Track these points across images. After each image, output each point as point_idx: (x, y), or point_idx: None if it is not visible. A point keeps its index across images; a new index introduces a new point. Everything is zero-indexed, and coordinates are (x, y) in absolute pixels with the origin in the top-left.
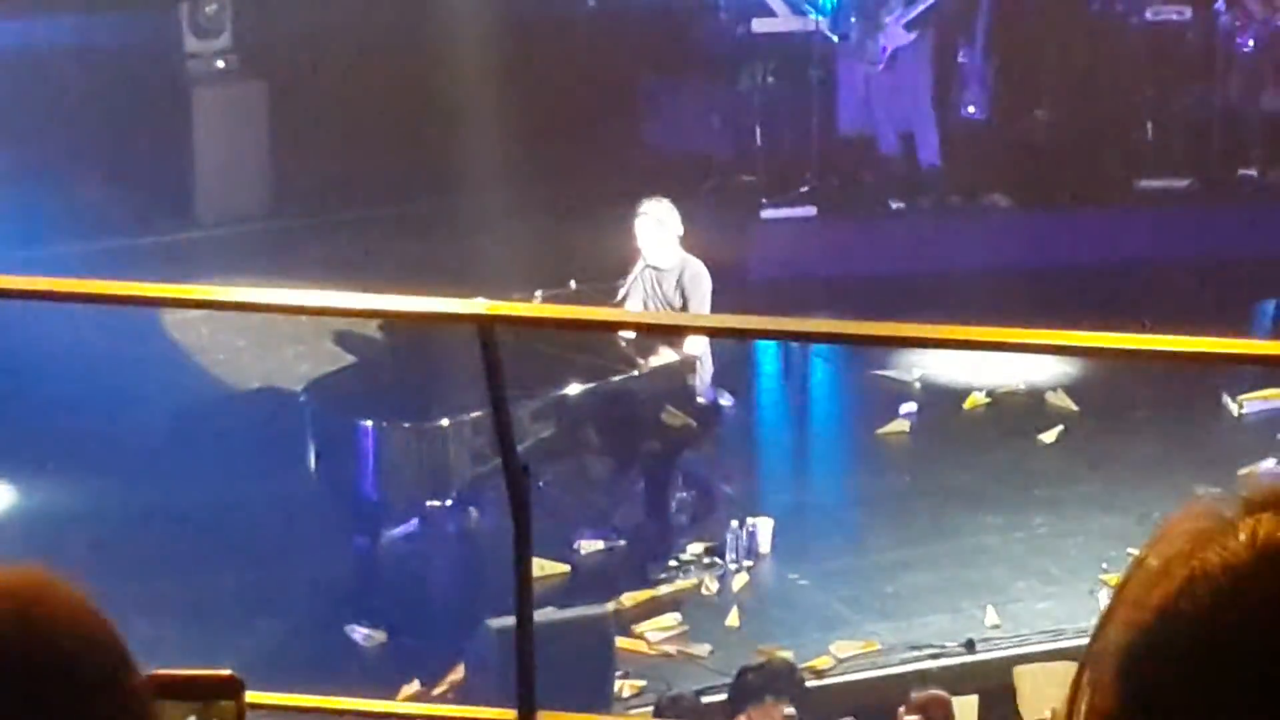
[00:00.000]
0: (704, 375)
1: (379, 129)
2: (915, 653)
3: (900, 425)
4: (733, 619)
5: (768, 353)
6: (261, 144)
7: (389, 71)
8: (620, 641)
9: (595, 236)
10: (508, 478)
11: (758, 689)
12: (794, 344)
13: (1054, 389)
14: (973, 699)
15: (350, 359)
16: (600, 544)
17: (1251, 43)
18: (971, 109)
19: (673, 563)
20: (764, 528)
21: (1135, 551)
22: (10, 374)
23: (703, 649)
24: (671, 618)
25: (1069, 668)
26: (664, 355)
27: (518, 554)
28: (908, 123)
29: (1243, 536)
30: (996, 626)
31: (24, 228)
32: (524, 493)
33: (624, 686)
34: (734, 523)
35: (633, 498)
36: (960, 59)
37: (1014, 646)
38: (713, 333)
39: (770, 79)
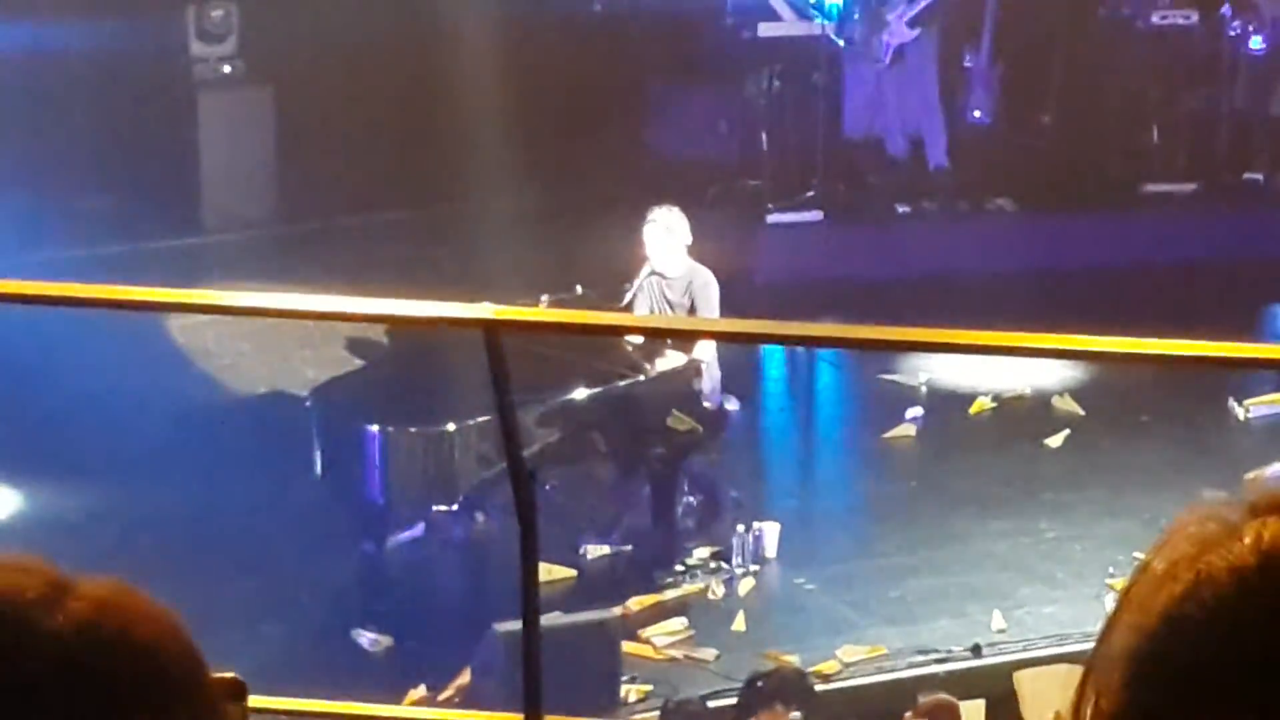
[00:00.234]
0: (710, 380)
1: (384, 134)
2: (922, 657)
3: (906, 430)
4: (739, 624)
5: (774, 357)
6: (267, 149)
7: (394, 76)
8: (626, 646)
9: (601, 241)
10: (514, 482)
11: (768, 695)
12: (800, 348)
13: (1060, 393)
14: (979, 703)
15: (356, 363)
16: (606, 549)
17: (1265, 45)
18: (977, 113)
19: (679, 567)
20: (770, 532)
21: (1142, 556)
22: (16, 379)
23: (709, 654)
24: (678, 622)
25: (1069, 670)
26: (670, 360)
27: (524, 558)
28: (916, 124)
29: (1247, 540)
30: (1003, 631)
31: (29, 232)
32: (530, 497)
33: (630, 691)
34: (740, 527)
35: (639, 502)
36: (966, 64)
37: (1020, 651)
38: (719, 337)
39: (776, 84)
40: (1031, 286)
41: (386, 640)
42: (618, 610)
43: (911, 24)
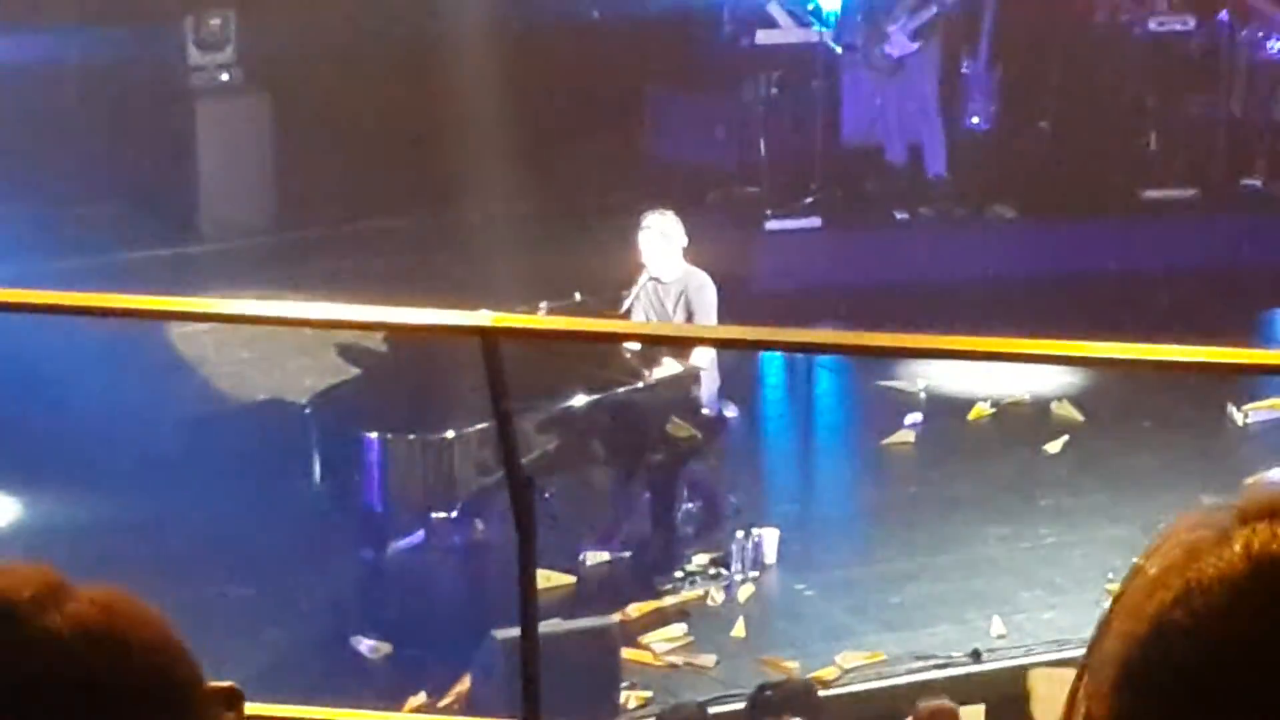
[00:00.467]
0: (709, 386)
1: (382, 141)
2: (921, 663)
3: (905, 436)
4: (738, 630)
5: (773, 364)
6: (265, 157)
7: (392, 84)
8: (626, 652)
9: (600, 248)
10: (512, 489)
11: (776, 705)
12: (799, 355)
13: (1059, 399)
14: (979, 709)
15: (355, 371)
16: (606, 555)
17: (1277, 47)
18: (976, 120)
19: (678, 574)
20: (769, 538)
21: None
22: (17, 387)
23: (709, 660)
24: (677, 629)
25: None
26: (669, 367)
27: (522, 565)
28: (916, 132)
29: (1238, 547)
30: (1002, 636)
31: (29, 241)
32: (528, 504)
33: (630, 698)
34: (739, 533)
35: (638, 509)
36: (964, 70)
37: (1020, 657)
38: (718, 344)
39: (774, 90)
40: (1030, 293)
41: (386, 647)
42: (617, 616)
43: (913, 37)
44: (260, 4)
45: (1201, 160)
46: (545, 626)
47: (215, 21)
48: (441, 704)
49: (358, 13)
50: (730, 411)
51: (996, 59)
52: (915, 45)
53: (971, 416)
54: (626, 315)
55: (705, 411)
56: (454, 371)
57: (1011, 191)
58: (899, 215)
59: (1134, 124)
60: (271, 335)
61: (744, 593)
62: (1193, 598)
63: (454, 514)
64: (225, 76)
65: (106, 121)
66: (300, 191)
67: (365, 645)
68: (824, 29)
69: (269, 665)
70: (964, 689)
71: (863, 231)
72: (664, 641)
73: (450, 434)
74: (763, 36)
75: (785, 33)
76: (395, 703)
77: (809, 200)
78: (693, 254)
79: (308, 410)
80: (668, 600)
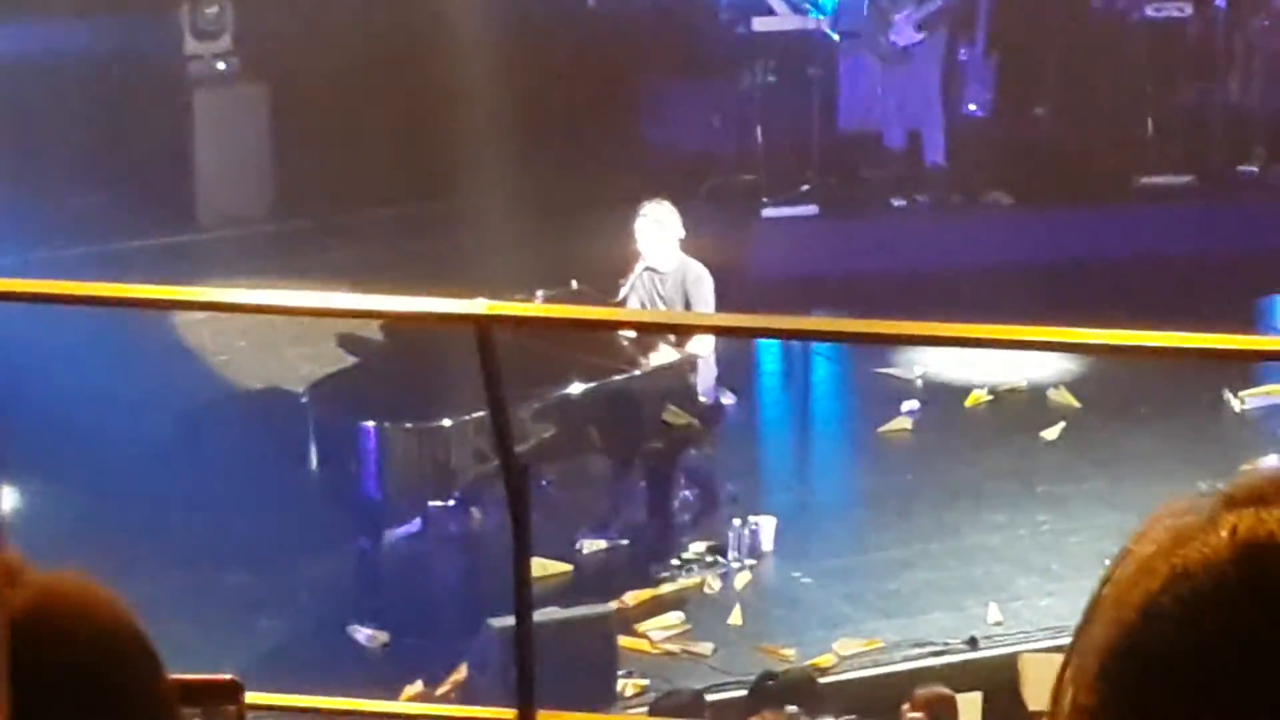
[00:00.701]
0: (706, 374)
1: (379, 130)
2: (918, 650)
3: (902, 423)
4: (735, 617)
5: (770, 351)
6: (262, 146)
7: (389, 73)
8: (623, 640)
9: (597, 237)
10: (507, 478)
11: (777, 694)
12: (796, 342)
13: (1056, 386)
14: (976, 696)
15: (352, 360)
16: (603, 543)
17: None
18: (972, 107)
19: (675, 562)
20: (766, 526)
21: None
22: (12, 376)
23: (706, 648)
24: (674, 616)
25: None
26: (665, 355)
27: (516, 554)
28: (916, 120)
29: (1224, 533)
30: (999, 624)
31: (25, 231)
32: (523, 492)
33: (627, 686)
34: (736, 521)
35: (635, 497)
36: (961, 57)
37: (1017, 643)
38: (715, 332)
39: (771, 78)
40: (1026, 279)
41: (383, 636)
42: (614, 605)
43: (919, 27)
44: None
45: (1198, 147)
46: (542, 615)
47: (212, 10)
48: (438, 693)
49: (354, 2)
50: (727, 399)
51: (993, 46)
52: (921, 35)
53: (968, 403)
54: (623, 304)
55: (702, 399)
56: (451, 360)
57: (1008, 178)
58: (896, 203)
59: (1130, 111)
60: (268, 324)
61: (741, 580)
62: (1179, 583)
63: (451, 503)
64: (222, 65)
65: (103, 111)
66: (297, 180)
67: (362, 634)
68: (821, 16)
69: (266, 654)
70: (961, 676)
71: (859, 219)
72: (661, 629)
73: (447, 423)
74: (759, 24)
75: (782, 20)
76: (392, 691)
77: (806, 188)
78: (689, 242)
79: (304, 399)
80: (665, 588)
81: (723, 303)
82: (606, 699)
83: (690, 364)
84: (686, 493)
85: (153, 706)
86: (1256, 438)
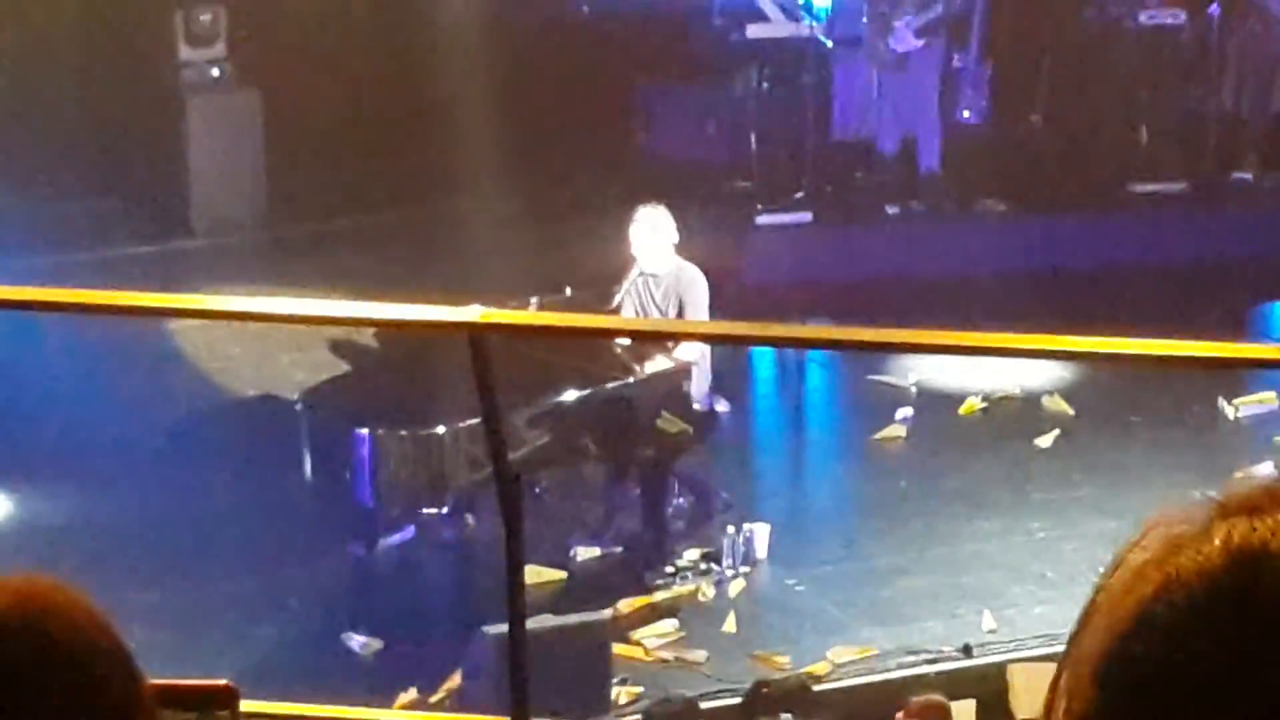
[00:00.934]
0: (700, 382)
1: (373, 137)
2: (912, 658)
3: (896, 430)
4: (730, 625)
5: (764, 359)
6: (256, 152)
7: (383, 79)
8: (617, 648)
9: (591, 243)
10: (499, 485)
11: (772, 702)
12: (790, 350)
13: (1050, 393)
14: (970, 704)
15: (346, 367)
16: (597, 551)
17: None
18: (967, 113)
19: (669, 569)
20: (761, 534)
21: None
22: (6, 383)
23: (700, 655)
24: (668, 624)
25: None
26: (660, 362)
27: (509, 562)
28: (912, 128)
29: (1217, 541)
30: (993, 631)
31: (18, 237)
32: (516, 500)
33: (621, 693)
34: (730, 529)
35: (629, 504)
36: (956, 64)
37: (1011, 651)
38: (709, 339)
39: (765, 85)
40: (1020, 287)
41: (377, 643)
42: (608, 612)
43: (919, 34)
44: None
45: (1192, 154)
46: (536, 622)
47: (206, 17)
48: (432, 700)
49: (347, 8)
50: (721, 406)
51: (987, 53)
52: (920, 42)
53: (962, 411)
54: (617, 310)
55: (696, 406)
56: (445, 367)
57: (1002, 185)
58: (890, 210)
59: (1124, 118)
60: (262, 331)
61: (735, 588)
62: (1173, 591)
63: (445, 510)
64: (216, 72)
65: (97, 117)
66: (291, 187)
67: (356, 641)
68: (814, 23)
69: (259, 661)
70: (955, 684)
71: (854, 226)
72: (655, 637)
73: (441, 430)
74: (753, 30)
75: (776, 26)
76: (386, 699)
77: (800, 195)
78: (684, 248)
79: (298, 406)
80: (659, 596)
81: (717, 309)
82: (600, 706)
83: (685, 371)
84: (680, 500)
85: (129, 707)
86: (1250, 446)
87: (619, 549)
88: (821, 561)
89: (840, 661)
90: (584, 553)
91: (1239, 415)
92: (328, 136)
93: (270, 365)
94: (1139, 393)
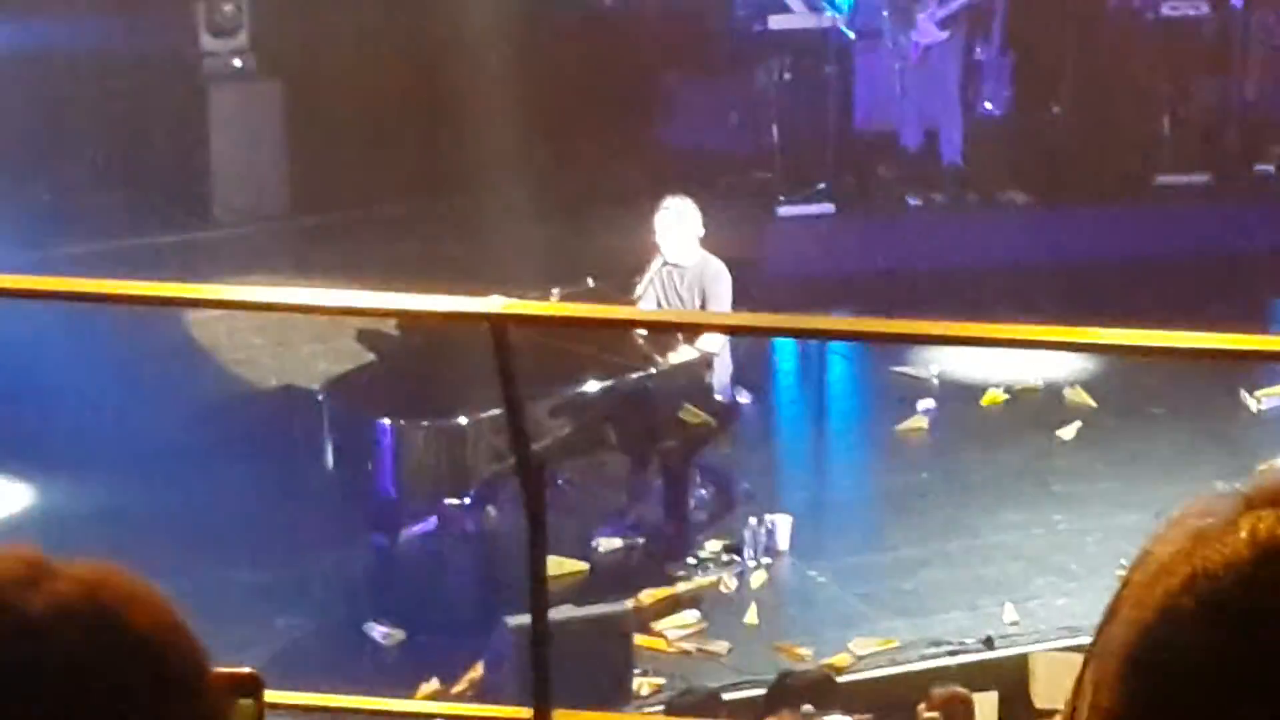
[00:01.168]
0: (722, 373)
1: (395, 127)
2: (934, 649)
3: (918, 422)
4: (751, 616)
5: (786, 350)
6: (278, 143)
7: (405, 70)
8: (639, 639)
9: (612, 234)
10: (522, 476)
11: (795, 693)
12: (811, 341)
13: (1072, 385)
14: (992, 695)
15: (368, 357)
16: (619, 542)
17: None
18: (988, 105)
19: (691, 560)
20: (783, 525)
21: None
22: (29, 374)
23: (721, 646)
24: (690, 615)
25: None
26: (682, 353)
27: (532, 552)
28: (934, 120)
29: (1243, 533)
30: (1015, 623)
31: (41, 227)
32: (538, 491)
33: (643, 684)
34: (752, 520)
35: (651, 495)
36: (978, 55)
37: (1033, 643)
38: (731, 331)
39: (787, 76)
40: (1042, 279)
41: (399, 634)
42: (630, 603)
43: (942, 25)
44: None
45: (1214, 146)
46: (558, 613)
47: (228, 7)
48: (454, 690)
49: None
50: (743, 397)
51: (1009, 44)
52: (944, 35)
53: (984, 402)
54: (639, 302)
55: (718, 398)
56: (467, 358)
57: (1023, 177)
58: (912, 201)
59: (1146, 109)
60: (284, 321)
61: (757, 579)
62: (1199, 584)
63: (467, 500)
64: (238, 62)
65: (119, 107)
66: (312, 177)
67: (378, 632)
68: (837, 14)
69: (281, 652)
70: (977, 676)
71: (875, 218)
72: (677, 628)
73: (463, 420)
74: (775, 22)
75: (798, 18)
76: (408, 689)
77: (822, 186)
78: (705, 239)
79: (320, 396)
80: (680, 587)
81: (738, 301)
82: (622, 698)
83: (707, 362)
84: (702, 491)
85: (200, 696)
86: (1273, 437)
87: (640, 540)
88: (843, 553)
89: (862, 653)
90: (605, 544)
91: (1261, 407)
92: (349, 127)
93: (292, 355)
94: (1161, 385)
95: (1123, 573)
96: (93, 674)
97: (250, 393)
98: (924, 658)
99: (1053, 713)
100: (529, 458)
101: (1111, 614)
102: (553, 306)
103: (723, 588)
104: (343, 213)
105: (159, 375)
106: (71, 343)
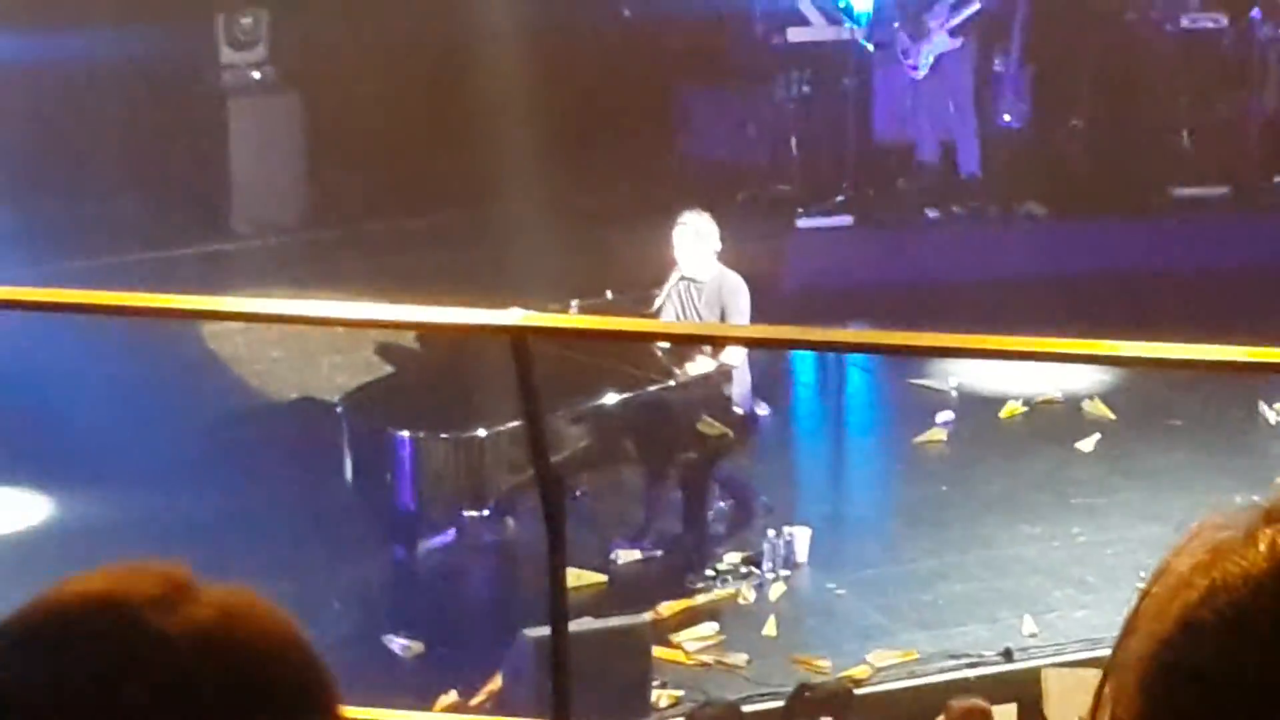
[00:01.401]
0: (741, 385)
1: (413, 140)
2: (953, 662)
3: (937, 434)
4: (770, 629)
5: (804, 362)
6: (297, 155)
7: (424, 82)
8: (658, 651)
9: (631, 246)
10: (541, 488)
11: (814, 706)
12: (830, 353)
13: (1091, 397)
14: (1011, 708)
15: (387, 369)
16: (638, 554)
17: None
18: (1007, 118)
19: (710, 572)
20: (801, 537)
21: None
22: (48, 386)
23: (740, 659)
24: (709, 627)
25: (1097, 674)
26: (701, 365)
27: (552, 564)
28: (950, 131)
29: (1262, 547)
30: (1034, 635)
31: (60, 239)
32: (558, 503)
33: (661, 696)
34: (771, 532)
35: (670, 508)
36: (996, 68)
37: (1051, 655)
38: (749, 343)
39: (805, 88)
40: (1061, 291)
41: (418, 646)
42: (648, 615)
43: (953, 33)
44: (292, 3)
45: (1233, 158)
46: (576, 625)
47: (247, 20)
48: (473, 703)
49: (389, 11)
50: (762, 410)
51: (1028, 57)
52: (956, 43)
53: (1003, 415)
54: (657, 314)
55: (737, 410)
56: (486, 370)
57: (1043, 189)
58: (930, 214)
59: (1166, 122)
60: (303, 333)
61: (775, 591)
62: (1218, 597)
63: (486, 513)
64: (257, 75)
65: (138, 120)
66: (331, 189)
67: (397, 644)
68: (855, 26)
69: None
70: (996, 688)
71: (894, 230)
72: (695, 640)
73: (482, 432)
74: (794, 34)
75: (817, 30)
76: (427, 701)
77: (840, 198)
78: (724, 252)
79: (339, 408)
80: (699, 599)
81: (757, 313)
82: (641, 710)
83: (725, 374)
84: (721, 503)
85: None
86: None
87: (659, 552)
88: (862, 565)
89: (881, 665)
90: (624, 556)
91: None
92: (368, 139)
93: (311, 368)
94: (1180, 397)
95: (1141, 585)
96: (216, 695)
97: (269, 405)
98: (943, 670)
99: None
100: (548, 470)
101: (1130, 627)
102: (572, 319)
103: (741, 600)
104: (361, 225)
105: (178, 388)
106: (91, 355)
